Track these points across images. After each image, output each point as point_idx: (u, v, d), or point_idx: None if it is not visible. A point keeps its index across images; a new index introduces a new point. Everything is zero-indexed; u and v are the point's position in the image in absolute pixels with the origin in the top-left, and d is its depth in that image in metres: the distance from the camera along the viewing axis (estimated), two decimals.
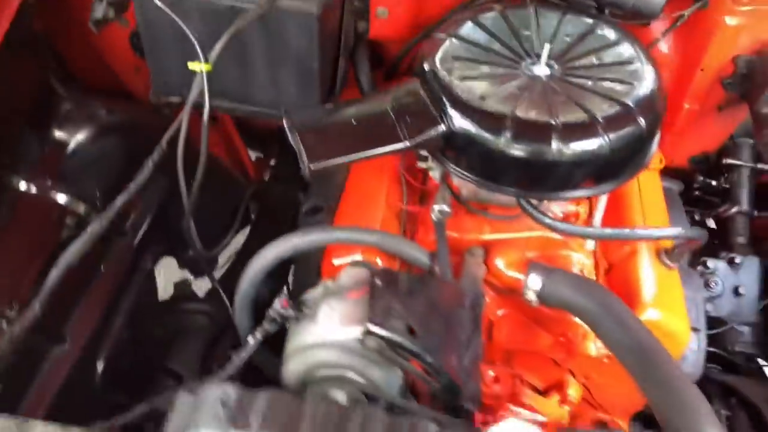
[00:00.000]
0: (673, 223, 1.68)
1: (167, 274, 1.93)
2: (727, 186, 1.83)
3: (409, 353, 1.15)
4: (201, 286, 1.89)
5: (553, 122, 1.23)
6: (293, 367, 1.20)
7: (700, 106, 1.75)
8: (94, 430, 1.01)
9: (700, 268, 1.71)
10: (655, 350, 1.12)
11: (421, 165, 1.44)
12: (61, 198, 1.38)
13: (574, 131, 1.24)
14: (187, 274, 1.88)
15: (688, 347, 1.47)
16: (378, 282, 1.19)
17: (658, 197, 1.61)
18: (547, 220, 1.32)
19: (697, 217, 1.81)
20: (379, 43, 1.79)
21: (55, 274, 1.16)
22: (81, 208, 1.43)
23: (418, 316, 1.19)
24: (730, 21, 1.58)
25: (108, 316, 1.40)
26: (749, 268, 1.73)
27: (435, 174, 1.44)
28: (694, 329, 1.48)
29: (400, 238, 1.36)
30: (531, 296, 1.30)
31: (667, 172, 1.82)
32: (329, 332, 1.18)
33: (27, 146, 1.34)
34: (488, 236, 1.44)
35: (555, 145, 1.22)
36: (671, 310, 1.37)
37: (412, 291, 1.23)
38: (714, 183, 1.83)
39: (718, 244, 1.79)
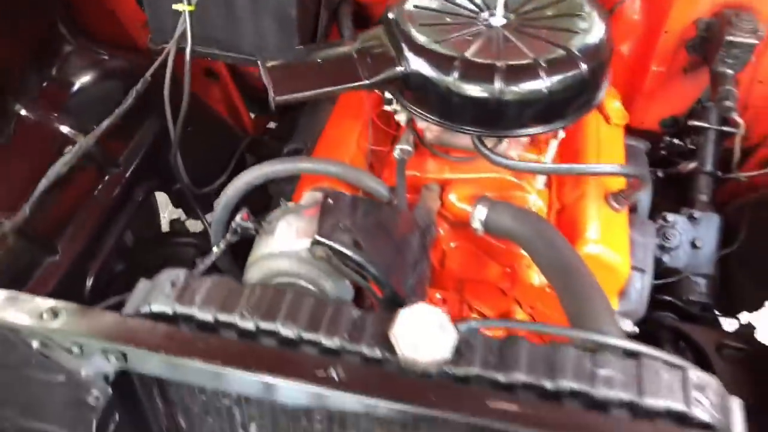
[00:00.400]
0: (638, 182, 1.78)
1: (169, 215, 2.09)
2: (693, 147, 1.90)
3: (355, 264, 1.27)
4: (197, 226, 2.05)
5: (498, 64, 1.34)
6: (253, 274, 1.34)
7: (667, 69, 1.83)
8: None
9: (660, 221, 1.79)
10: (575, 267, 1.23)
11: (387, 108, 1.56)
12: (63, 128, 1.54)
13: (516, 73, 1.35)
14: (183, 215, 2.03)
15: (633, 286, 1.57)
16: (329, 201, 1.32)
17: (617, 151, 1.70)
18: (497, 158, 1.43)
19: (660, 174, 1.89)
20: (365, 4, 1.92)
21: (44, 182, 1.31)
22: (81, 139, 1.58)
23: (367, 233, 1.32)
24: None
25: (98, 237, 1.55)
26: (708, 224, 1.80)
27: (401, 117, 1.56)
28: (640, 269, 1.57)
29: (361, 171, 1.48)
30: (477, 225, 1.42)
31: (638, 135, 1.93)
32: (285, 244, 1.31)
33: (31, 78, 1.50)
34: (446, 176, 1.56)
35: (498, 84, 1.33)
36: (612, 247, 1.46)
37: (365, 213, 1.35)
38: (680, 143, 1.91)
39: (681, 201, 1.87)
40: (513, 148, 1.57)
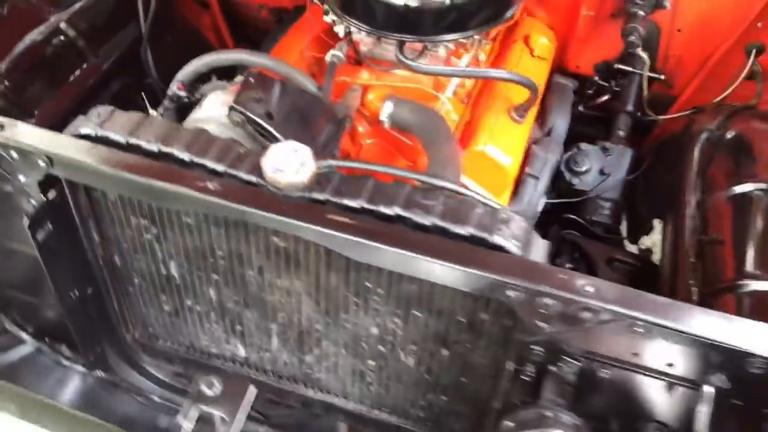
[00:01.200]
0: (557, 112, 1.97)
1: None
2: (618, 89, 2.08)
3: (265, 132, 1.51)
4: None
5: None
6: None
7: (596, 13, 2.02)
8: None
9: (574, 148, 1.97)
10: (443, 142, 1.45)
11: (326, 19, 1.79)
12: (54, 18, 1.79)
13: None
14: None
15: (526, 190, 1.77)
16: (251, 79, 1.55)
17: (536, 80, 1.90)
18: (408, 62, 1.64)
19: (581, 108, 2.08)
20: None
21: (20, 46, 1.58)
22: (71, 32, 1.84)
23: (281, 109, 1.55)
24: None
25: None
26: (620, 156, 1.98)
27: (339, 29, 1.79)
28: (534, 177, 1.77)
29: (293, 68, 1.71)
30: (384, 117, 1.64)
31: (574, 78, 2.12)
32: (211, 111, 1.56)
33: None
34: (371, 82, 1.78)
35: None
36: (501, 148, 1.67)
37: (284, 94, 1.58)
38: (605, 84, 2.09)
39: (601, 134, 2.06)
40: (432, 60, 1.78)
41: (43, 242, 1.38)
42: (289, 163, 1.23)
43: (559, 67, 2.16)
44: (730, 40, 1.91)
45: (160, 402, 1.81)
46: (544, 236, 1.26)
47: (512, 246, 1.17)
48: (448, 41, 1.67)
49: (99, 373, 1.71)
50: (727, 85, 1.84)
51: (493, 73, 1.66)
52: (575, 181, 1.95)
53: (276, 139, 1.51)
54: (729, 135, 1.68)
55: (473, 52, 1.76)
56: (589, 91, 2.11)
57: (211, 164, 1.26)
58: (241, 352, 1.68)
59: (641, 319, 1.06)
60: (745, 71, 1.80)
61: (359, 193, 1.23)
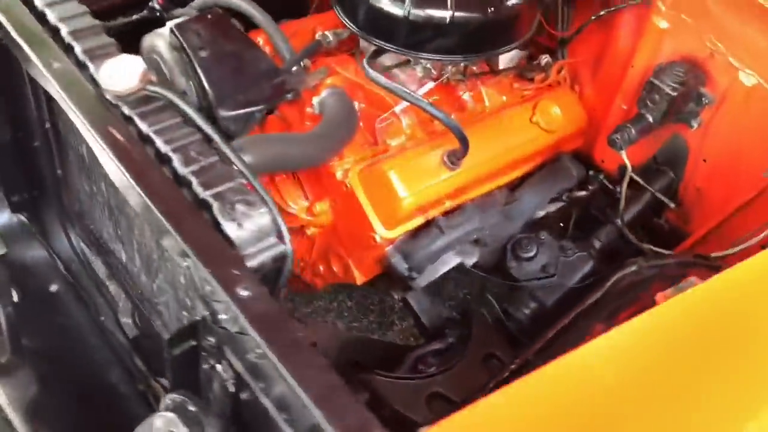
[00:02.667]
0: (532, 187, 1.79)
1: None
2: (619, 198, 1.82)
3: (190, 64, 1.58)
4: None
5: None
6: (143, 44, 1.71)
7: (629, 108, 1.78)
8: None
9: (534, 233, 1.77)
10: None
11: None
12: None
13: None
14: None
15: (426, 238, 1.65)
16: (209, 15, 1.63)
17: (518, 144, 1.75)
18: (364, 62, 1.60)
19: (564, 198, 1.84)
20: None
21: None
22: None
23: (220, 51, 1.60)
24: (660, 23, 1.63)
25: None
26: (578, 264, 1.73)
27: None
28: (440, 228, 1.64)
29: (278, 30, 1.75)
30: (315, 103, 1.63)
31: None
32: (167, 27, 1.66)
33: None
34: (342, 72, 1.75)
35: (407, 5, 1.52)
36: (405, 180, 1.58)
37: (233, 39, 1.64)
38: (609, 187, 1.84)
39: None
40: (408, 77, 1.72)
41: None
42: (119, 73, 1.29)
43: (586, 154, 1.95)
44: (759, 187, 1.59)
45: (63, 271, 1.97)
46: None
47: (230, 229, 1.12)
48: (417, 59, 1.62)
49: (21, 216, 1.92)
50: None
51: (425, 104, 1.55)
52: (512, 264, 1.76)
53: (196, 73, 1.58)
54: None
55: (443, 80, 1.67)
56: (590, 186, 1.87)
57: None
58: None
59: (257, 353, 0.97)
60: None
61: (156, 123, 1.25)
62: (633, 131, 1.61)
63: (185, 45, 1.58)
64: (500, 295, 1.82)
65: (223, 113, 1.59)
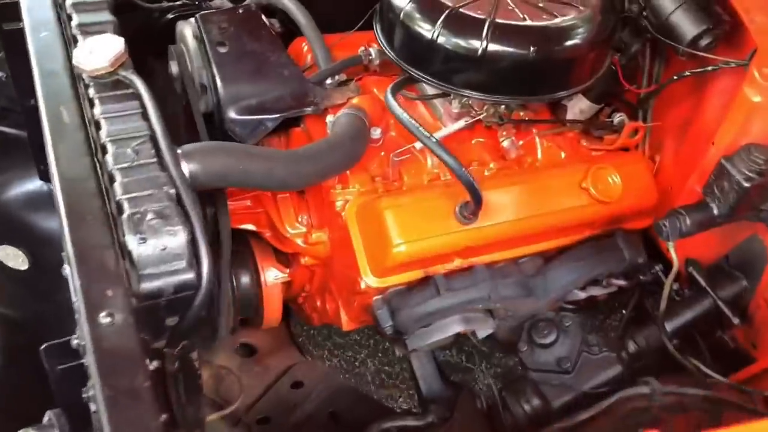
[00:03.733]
0: (569, 269, 1.52)
1: None
2: (677, 298, 1.50)
3: (206, 56, 1.47)
4: None
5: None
6: (177, 32, 1.62)
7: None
8: None
9: (557, 316, 1.49)
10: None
11: None
12: None
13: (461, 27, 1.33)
14: None
15: (421, 296, 1.42)
16: (240, 10, 1.52)
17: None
18: (388, 92, 1.41)
19: (605, 283, 1.53)
20: None
21: None
22: None
23: (241, 49, 1.49)
24: (752, 96, 1.31)
25: None
26: (602, 366, 1.44)
27: None
28: (435, 289, 1.40)
29: (318, 34, 1.59)
30: (328, 123, 1.46)
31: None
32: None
33: None
34: (378, 95, 1.57)
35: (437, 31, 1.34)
36: (402, 226, 1.37)
37: (261, 41, 1.51)
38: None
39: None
40: (446, 113, 1.51)
41: (8, 33, 1.57)
42: (96, 52, 1.19)
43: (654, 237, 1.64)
44: None
45: None
46: None
47: (131, 242, 0.97)
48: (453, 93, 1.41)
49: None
50: None
51: (432, 144, 1.32)
52: (523, 347, 1.49)
53: (210, 66, 1.47)
54: None
55: (468, 122, 1.44)
56: (642, 277, 1.55)
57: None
58: None
59: None
60: None
61: (111, 111, 1.14)
62: (688, 220, 1.30)
63: (205, 37, 1.48)
64: (505, 374, 1.55)
65: (231, 115, 1.47)
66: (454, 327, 1.46)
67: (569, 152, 1.61)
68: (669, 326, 1.45)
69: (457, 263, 1.45)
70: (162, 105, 1.17)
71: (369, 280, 1.40)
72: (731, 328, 1.47)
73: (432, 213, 1.39)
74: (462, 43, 1.31)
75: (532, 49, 1.30)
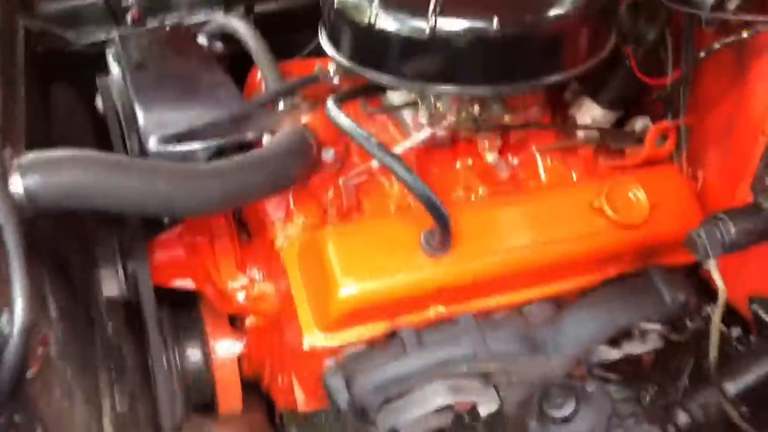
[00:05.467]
0: (590, 319, 1.15)
1: None
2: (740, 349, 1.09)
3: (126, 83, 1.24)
4: None
5: None
6: None
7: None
8: None
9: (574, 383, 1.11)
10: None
11: None
12: None
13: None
14: None
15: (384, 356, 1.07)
16: (167, 27, 1.31)
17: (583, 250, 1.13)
18: (331, 102, 1.14)
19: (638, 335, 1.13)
20: None
21: None
22: None
23: (165, 71, 1.26)
24: None
25: None
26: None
27: None
28: (401, 346, 1.05)
29: (272, 60, 1.35)
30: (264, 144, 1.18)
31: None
32: None
33: None
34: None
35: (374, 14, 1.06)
36: (350, 263, 1.04)
37: (194, 62, 1.28)
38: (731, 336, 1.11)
39: None
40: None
41: None
42: None
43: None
44: None
45: None
46: None
47: None
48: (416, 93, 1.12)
49: None
50: None
51: (384, 156, 1.00)
52: (532, 423, 1.11)
53: (126, 90, 1.23)
54: None
55: (439, 133, 1.13)
56: (689, 323, 1.15)
57: None
58: None
59: None
60: None
61: None
62: (732, 228, 0.93)
63: (123, 59, 1.26)
64: None
65: (152, 146, 1.21)
66: (436, 399, 1.10)
67: (582, 173, 1.27)
68: (732, 387, 1.04)
69: (436, 312, 1.11)
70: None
71: (314, 338, 1.07)
72: None
73: (391, 244, 1.06)
74: (405, 23, 1.03)
75: (494, 20, 1.00)
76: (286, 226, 1.15)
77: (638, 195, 1.16)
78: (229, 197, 1.02)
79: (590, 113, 1.30)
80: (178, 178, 0.97)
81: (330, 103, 1.12)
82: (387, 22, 1.04)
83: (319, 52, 1.38)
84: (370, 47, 1.09)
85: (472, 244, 1.08)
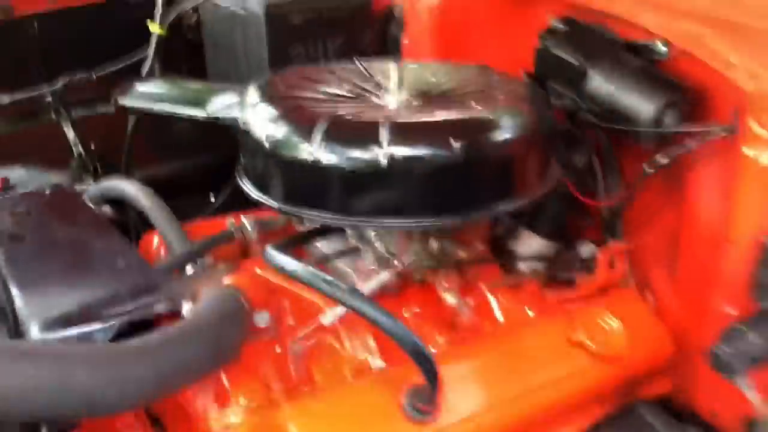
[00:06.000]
0: None
1: None
2: None
3: None
4: None
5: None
6: None
7: (740, 310, 1.02)
8: None
9: None
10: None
11: None
12: None
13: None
14: None
15: None
16: (47, 190, 1.09)
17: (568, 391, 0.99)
18: (270, 249, 0.97)
19: None
20: None
21: None
22: None
23: (46, 241, 1.03)
24: (759, 156, 0.95)
25: None
26: None
27: None
28: None
29: (174, 221, 1.16)
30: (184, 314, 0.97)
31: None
32: None
33: None
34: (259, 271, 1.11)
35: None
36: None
37: (83, 228, 1.06)
38: None
39: None
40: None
41: None
42: None
43: (683, 403, 1.15)
44: None
45: None
46: None
47: None
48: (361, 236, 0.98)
49: None
50: None
51: (352, 299, 0.85)
52: None
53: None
54: None
55: (391, 275, 0.99)
56: None
57: None
58: None
59: None
60: None
61: None
62: (757, 338, 0.85)
63: None
64: None
65: (35, 335, 0.95)
66: None
67: (536, 309, 1.17)
68: None
69: None
70: None
71: None
72: None
73: (366, 415, 0.86)
74: (354, 155, 0.91)
75: (455, 145, 0.91)
76: (224, 412, 0.91)
77: (611, 324, 1.07)
78: (166, 382, 0.78)
79: (530, 245, 1.23)
80: (99, 364, 0.72)
81: (270, 251, 0.95)
82: (332, 156, 0.91)
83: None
84: (312, 185, 0.95)
85: (455, 403, 0.91)
